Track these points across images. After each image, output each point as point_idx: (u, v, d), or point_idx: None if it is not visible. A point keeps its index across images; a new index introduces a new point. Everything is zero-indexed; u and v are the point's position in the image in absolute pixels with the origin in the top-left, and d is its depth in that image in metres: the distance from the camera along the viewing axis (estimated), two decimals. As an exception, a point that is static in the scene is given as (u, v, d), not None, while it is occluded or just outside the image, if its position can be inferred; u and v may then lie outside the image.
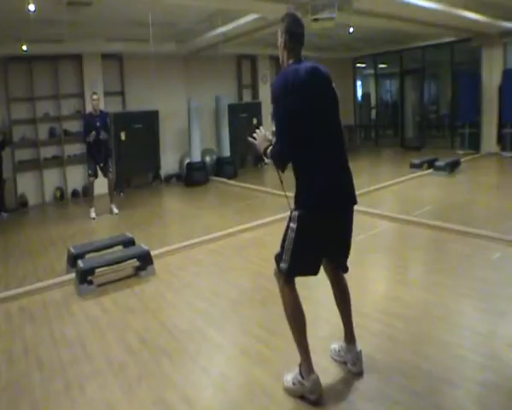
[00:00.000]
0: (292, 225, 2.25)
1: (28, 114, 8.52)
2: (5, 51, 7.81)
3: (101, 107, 7.12)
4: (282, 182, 2.40)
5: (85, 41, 8.24)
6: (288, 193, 2.38)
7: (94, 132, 6.66)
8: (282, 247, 2.30)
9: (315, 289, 3.37)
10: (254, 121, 10.32)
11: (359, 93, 14.63)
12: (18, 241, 6.03)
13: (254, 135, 2.43)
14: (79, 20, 6.73)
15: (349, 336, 2.55)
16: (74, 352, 3.00)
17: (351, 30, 8.82)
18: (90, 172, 6.93)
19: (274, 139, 2.31)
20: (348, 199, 2.35)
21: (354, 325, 2.56)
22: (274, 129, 2.32)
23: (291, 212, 2.28)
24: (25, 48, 7.54)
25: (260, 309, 3.42)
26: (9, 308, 3.79)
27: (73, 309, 3.68)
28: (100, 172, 7.00)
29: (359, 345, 2.54)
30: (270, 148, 2.32)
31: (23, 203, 8.41)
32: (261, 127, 2.49)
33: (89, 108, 8.32)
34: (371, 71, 13.94)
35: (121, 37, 8.47)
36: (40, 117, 8.62)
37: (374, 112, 14.42)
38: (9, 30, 6.96)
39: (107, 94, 9.15)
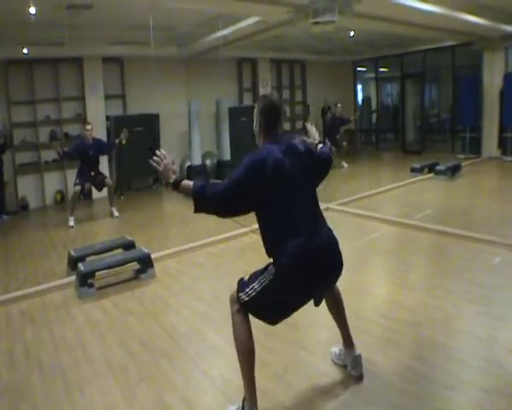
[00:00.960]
0: (267, 274, 2.11)
1: (29, 117, 8.54)
2: (6, 54, 7.84)
3: (94, 134, 7.05)
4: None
5: (86, 44, 8.26)
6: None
7: (83, 160, 6.80)
8: (251, 281, 2.16)
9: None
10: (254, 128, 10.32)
11: (360, 97, 14.66)
12: (18, 244, 6.03)
13: (156, 159, 2.23)
14: (80, 23, 6.76)
15: (347, 341, 2.54)
16: (74, 355, 3.00)
17: (351, 33, 8.86)
18: (76, 181, 6.87)
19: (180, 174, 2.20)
20: (333, 269, 2.21)
21: (351, 329, 2.55)
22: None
23: (270, 263, 2.15)
24: (25, 51, 7.57)
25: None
26: (10, 311, 3.79)
27: (74, 312, 3.68)
28: (93, 188, 7.05)
29: (358, 349, 2.54)
30: (188, 183, 2.17)
31: (23, 206, 8.42)
32: (162, 151, 2.25)
33: (89, 113, 8.41)
34: (372, 75, 13.97)
35: (122, 40, 8.50)
36: (41, 120, 8.64)
37: (374, 116, 14.44)
38: (10, 33, 6.98)
39: (107, 97, 9.18)
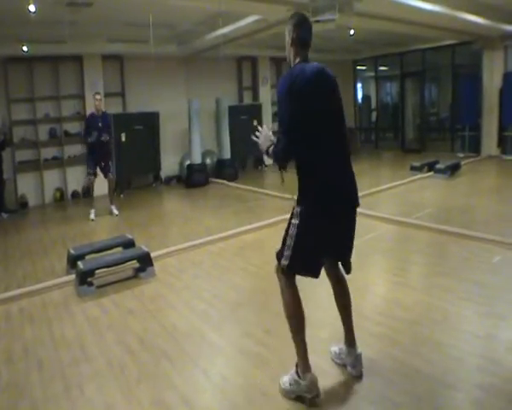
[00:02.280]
0: (294, 221, 2.25)
1: (28, 114, 8.53)
2: (5, 52, 7.82)
3: (103, 108, 7.10)
4: (283, 181, 2.40)
5: (86, 42, 8.25)
6: (288, 195, 2.38)
7: (95, 133, 6.66)
8: (284, 243, 2.29)
9: (314, 291, 3.36)
10: (254, 123, 10.34)
11: (360, 95, 14.65)
12: (18, 242, 6.03)
13: (257, 133, 2.42)
14: (80, 20, 6.74)
15: (349, 339, 2.54)
16: (74, 353, 3.00)
17: (351, 32, 8.84)
18: (89, 170, 6.93)
19: (275, 139, 2.31)
20: (351, 200, 2.34)
21: (354, 327, 2.56)
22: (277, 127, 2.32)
23: (293, 208, 2.28)
24: (25, 48, 7.56)
25: (260, 311, 3.42)
26: (9, 309, 3.79)
27: (73, 310, 3.68)
28: (100, 173, 6.99)
29: (359, 348, 2.54)
30: (272, 147, 2.31)
31: (23, 204, 8.42)
32: (264, 126, 2.47)
33: (90, 110, 8.34)
34: (372, 73, 13.96)
35: (122, 38, 8.49)
36: (40, 118, 8.64)
37: (374, 114, 14.43)
38: (10, 30, 6.97)
39: (107, 95, 9.15)
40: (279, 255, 2.31)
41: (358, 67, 14.07)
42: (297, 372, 2.32)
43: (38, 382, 2.70)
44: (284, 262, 2.26)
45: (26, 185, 8.52)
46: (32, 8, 5.52)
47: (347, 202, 2.33)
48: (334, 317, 2.59)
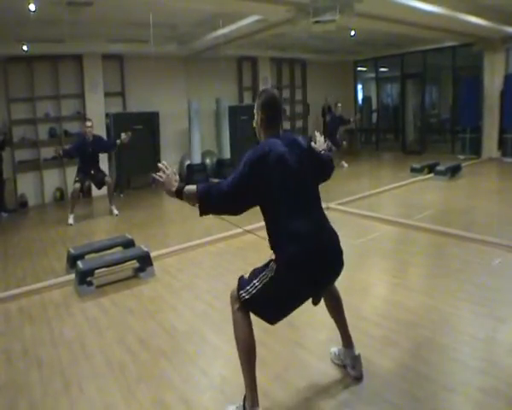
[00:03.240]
0: (268, 271, 2.11)
1: (28, 114, 8.52)
2: (5, 51, 7.81)
3: (94, 132, 7.00)
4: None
5: (86, 41, 8.25)
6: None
7: (79, 160, 6.81)
8: (252, 278, 2.15)
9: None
10: (254, 124, 10.31)
11: (360, 96, 14.66)
12: (18, 241, 6.02)
13: (159, 173, 2.24)
14: (80, 20, 6.73)
15: (346, 341, 2.54)
16: (73, 352, 3.00)
17: (352, 33, 8.85)
18: (76, 178, 6.86)
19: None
20: (332, 263, 2.20)
21: (350, 328, 2.55)
22: None
23: (271, 254, 2.16)
24: (25, 48, 7.55)
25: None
26: (9, 308, 3.78)
27: (73, 310, 3.68)
28: (93, 186, 7.06)
29: (357, 349, 2.54)
30: (189, 187, 2.18)
31: (23, 203, 8.40)
32: (164, 162, 2.29)
33: (89, 106, 8.37)
34: (372, 74, 13.97)
35: (122, 37, 8.48)
36: (40, 117, 8.62)
37: (375, 116, 14.44)
38: (10, 30, 6.96)
39: (107, 94, 9.17)
40: (242, 283, 2.18)
41: (359, 69, 14.08)
42: (244, 406, 2.19)
43: (38, 381, 2.69)
44: (244, 295, 2.13)
45: (25, 185, 8.51)
46: (31, 7, 5.52)
47: (328, 266, 2.18)
48: (330, 318, 2.58)
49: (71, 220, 6.64)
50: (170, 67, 9.96)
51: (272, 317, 2.18)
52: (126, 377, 2.66)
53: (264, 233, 2.23)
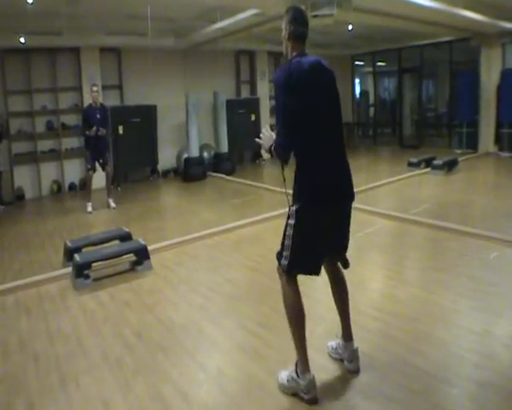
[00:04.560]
0: (290, 221, 2.25)
1: (25, 106, 8.47)
2: (2, 43, 7.75)
3: (101, 99, 7.06)
4: (284, 180, 2.35)
5: (83, 34, 8.20)
6: (289, 190, 2.36)
7: (94, 128, 6.62)
8: (282, 244, 2.30)
9: (311, 286, 3.36)
10: (252, 117, 10.31)
11: (357, 91, 14.63)
12: (14, 234, 6.00)
13: (261, 135, 2.42)
14: (77, 12, 6.68)
15: (346, 334, 2.55)
16: (70, 346, 3.00)
17: (349, 27, 8.82)
18: (88, 166, 6.93)
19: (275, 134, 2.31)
20: (346, 195, 2.35)
21: (351, 322, 2.56)
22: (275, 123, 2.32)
23: (289, 208, 2.28)
24: (22, 40, 7.49)
25: (257, 305, 3.41)
26: (5, 301, 3.78)
27: (69, 303, 3.67)
28: (98, 166, 6.99)
29: (356, 343, 2.55)
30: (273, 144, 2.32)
31: (19, 196, 8.37)
32: (267, 127, 2.47)
33: (88, 102, 8.29)
34: (370, 69, 13.94)
35: (119, 30, 8.44)
36: (37, 110, 8.57)
37: (372, 110, 14.42)
38: (7, 22, 6.90)
39: (104, 87, 9.10)
40: (279, 256, 2.33)
41: (356, 63, 14.04)
42: (296, 371, 2.31)
43: (34, 375, 2.70)
44: (284, 262, 2.28)
45: (22, 177, 8.47)
46: (29, -2, 5.48)
47: (343, 198, 2.34)
48: (329, 311, 2.60)
49: (90, 208, 6.83)
50: (167, 61, 9.91)
51: (313, 264, 2.30)
52: (123, 371, 2.67)
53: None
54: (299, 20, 2.32)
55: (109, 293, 3.81)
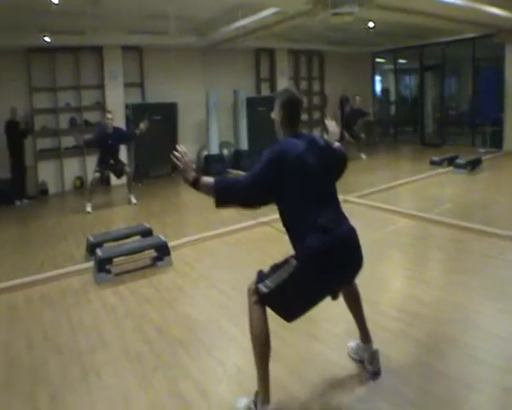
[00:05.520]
0: (289, 264, 2.10)
1: (50, 103, 8.65)
2: (28, 42, 7.91)
3: (114, 123, 7.10)
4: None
5: (106, 33, 8.33)
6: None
7: (100, 149, 6.87)
8: (271, 272, 2.15)
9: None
10: (272, 115, 10.25)
11: (378, 88, 14.46)
12: (38, 228, 6.13)
13: (177, 154, 2.22)
14: (100, 12, 6.78)
15: (364, 336, 2.52)
16: (91, 339, 3.05)
17: (371, 25, 8.70)
18: (96, 168, 6.99)
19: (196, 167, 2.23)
20: (353, 261, 2.20)
21: (368, 323, 2.53)
22: None
23: (290, 256, 2.14)
24: (47, 39, 7.64)
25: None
26: (29, 294, 3.86)
27: (91, 297, 3.73)
28: (112, 175, 7.13)
29: (376, 344, 2.52)
30: (207, 180, 2.17)
31: (43, 191, 8.56)
32: (182, 146, 2.27)
33: (109, 103, 8.43)
34: (391, 66, 13.75)
35: (141, 29, 8.52)
36: (61, 107, 8.74)
37: (393, 108, 14.23)
38: (33, 21, 7.06)
39: (126, 85, 9.23)
40: (260, 276, 2.18)
41: (377, 60, 13.87)
42: (255, 402, 2.17)
43: (57, 366, 2.75)
44: (262, 288, 2.12)
45: (46, 173, 8.66)
46: (55, -1, 5.58)
47: (348, 261, 2.18)
48: (347, 311, 2.56)
49: (89, 208, 6.74)
50: (188, 59, 9.97)
51: (289, 314, 2.17)
52: (143, 366, 2.70)
53: (280, 226, 2.24)
54: (290, 106, 2.28)
55: (130, 288, 3.86)
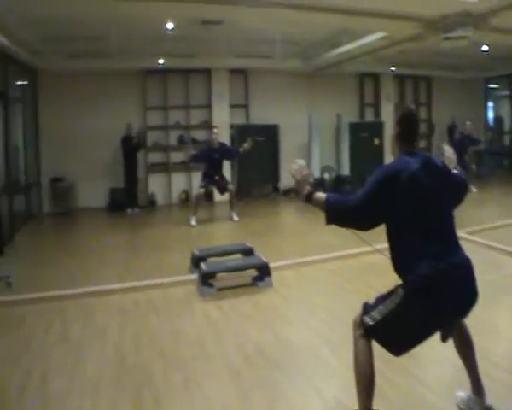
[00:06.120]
0: (396, 295, 2.02)
1: (161, 121, 9.38)
2: (144, 64, 8.76)
3: (220, 139, 7.51)
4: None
5: (214, 57, 8.89)
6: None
7: (207, 164, 7.22)
8: (377, 303, 2.09)
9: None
10: (376, 141, 10.07)
11: (490, 116, 13.49)
12: (147, 235, 6.62)
13: (293, 167, 2.26)
14: (210, 37, 7.25)
15: (476, 388, 2.29)
16: (194, 349, 3.17)
17: (484, 48, 8.19)
18: (201, 184, 7.35)
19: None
20: (467, 295, 2.04)
21: (481, 374, 2.30)
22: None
23: (398, 285, 2.06)
24: (161, 61, 8.34)
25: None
26: (138, 298, 4.15)
27: (194, 308, 3.90)
28: (217, 191, 7.42)
29: (490, 399, 2.29)
30: (321, 195, 2.17)
31: (152, 202, 9.27)
32: (301, 160, 2.30)
33: (215, 121, 8.88)
34: (505, 92, 12.76)
35: (247, 53, 8.95)
36: (171, 125, 9.43)
37: (507, 138, 13.16)
38: (149, 46, 7.77)
39: (232, 106, 9.67)
40: (366, 308, 2.13)
41: (490, 86, 12.97)
42: None
43: (160, 371, 2.89)
44: (368, 321, 2.07)
45: (155, 185, 9.40)
46: (169, 25, 6.06)
47: (462, 294, 2.03)
48: (457, 355, 2.36)
49: (193, 222, 7.11)
50: (291, 82, 10.19)
51: (397, 348, 2.08)
52: (243, 382, 2.74)
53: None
54: (406, 122, 2.22)
55: (231, 304, 3.96)
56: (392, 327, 2.03)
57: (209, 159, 7.20)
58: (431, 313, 1.98)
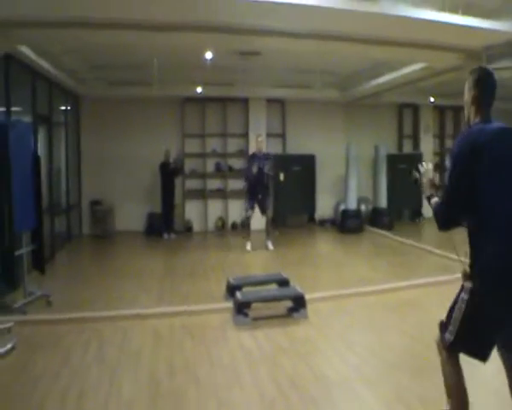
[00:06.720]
0: (463, 295, 2.02)
1: (199, 148, 9.58)
2: (183, 93, 9.03)
3: (264, 149, 7.59)
4: (454, 247, 2.17)
5: (252, 86, 9.04)
6: (462, 258, 2.10)
7: (256, 166, 7.11)
8: (449, 316, 2.09)
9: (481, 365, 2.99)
10: (415, 175, 9.85)
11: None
12: (183, 261, 6.70)
13: (421, 169, 2.31)
14: (248, 67, 7.43)
15: None
16: (228, 376, 3.16)
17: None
18: (247, 206, 7.38)
19: (440, 194, 2.17)
20: None
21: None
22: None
23: (464, 275, 2.05)
24: (199, 90, 8.58)
25: (416, 377, 3.13)
26: (173, 323, 4.18)
27: (229, 336, 3.89)
28: (257, 209, 7.35)
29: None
30: (435, 200, 2.16)
31: (189, 228, 9.41)
32: (428, 162, 2.35)
33: (252, 149, 8.99)
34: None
35: (284, 83, 9.07)
36: (208, 152, 9.62)
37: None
38: (188, 74, 8.03)
39: (269, 135, 9.78)
40: (442, 328, 2.12)
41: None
42: None
43: (194, 397, 2.88)
44: (448, 337, 2.07)
45: (192, 211, 9.53)
46: (208, 55, 6.25)
47: None
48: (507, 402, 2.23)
49: (249, 247, 7.19)
50: (328, 112, 10.24)
51: (478, 351, 2.02)
52: (276, 416, 2.69)
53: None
54: (485, 83, 2.12)
55: (265, 334, 3.93)
56: (470, 329, 2.00)
57: (254, 165, 7.16)
58: (501, 300, 1.92)
